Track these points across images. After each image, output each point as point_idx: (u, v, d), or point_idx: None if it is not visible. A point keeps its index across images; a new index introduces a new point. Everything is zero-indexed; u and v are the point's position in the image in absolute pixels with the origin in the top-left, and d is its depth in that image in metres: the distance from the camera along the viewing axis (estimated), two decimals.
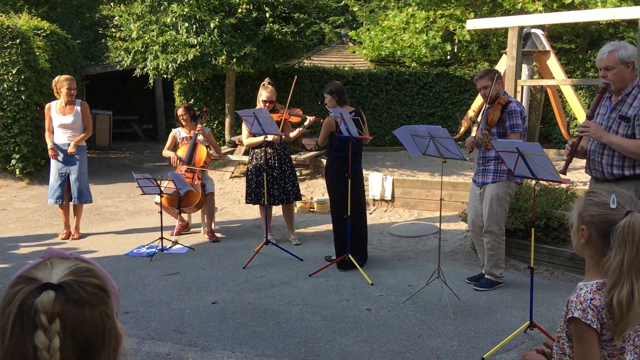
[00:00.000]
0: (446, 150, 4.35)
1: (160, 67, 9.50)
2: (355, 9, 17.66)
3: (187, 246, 6.16)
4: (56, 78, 6.49)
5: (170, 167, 6.79)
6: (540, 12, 10.49)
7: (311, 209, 7.95)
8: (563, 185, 5.87)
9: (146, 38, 9.63)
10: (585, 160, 3.81)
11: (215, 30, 9.21)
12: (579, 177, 8.01)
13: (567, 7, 10.50)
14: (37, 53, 10.17)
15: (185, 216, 6.85)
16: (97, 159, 13.03)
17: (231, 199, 8.79)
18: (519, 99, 7.67)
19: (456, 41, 13.89)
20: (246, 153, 9.55)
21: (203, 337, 3.95)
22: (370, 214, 7.59)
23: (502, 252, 4.81)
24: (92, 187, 6.84)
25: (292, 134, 6.33)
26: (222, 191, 9.16)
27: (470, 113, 10.36)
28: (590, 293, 1.70)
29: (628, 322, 1.66)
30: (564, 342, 1.79)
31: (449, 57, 14.73)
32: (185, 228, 6.87)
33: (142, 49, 9.72)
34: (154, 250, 5.99)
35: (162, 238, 6.03)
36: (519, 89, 6.67)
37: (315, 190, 8.96)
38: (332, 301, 4.59)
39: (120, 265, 5.59)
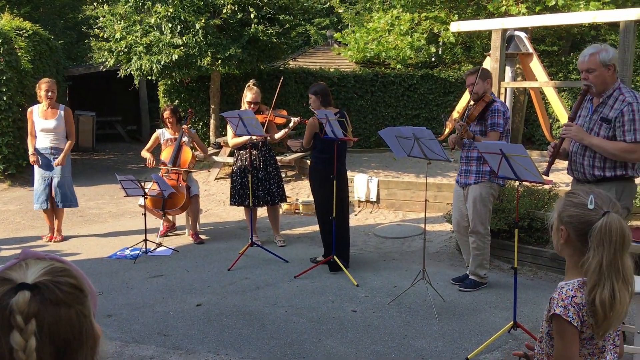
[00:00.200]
0: (431, 151, 4.37)
1: (144, 68, 9.43)
2: (340, 10, 17.71)
3: (171, 248, 6.12)
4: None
5: (154, 169, 6.72)
6: (524, 14, 10.60)
7: (296, 211, 7.94)
8: (546, 187, 5.94)
9: (130, 39, 9.55)
10: (567, 162, 3.86)
11: (200, 31, 9.17)
12: (561, 178, 8.10)
13: (550, 9, 10.62)
14: (19, 54, 10.05)
15: (170, 217, 6.81)
16: (80, 161, 12.90)
17: (216, 200, 8.74)
18: (502, 100, 7.72)
19: (441, 43, 13.99)
20: (231, 154, 9.51)
21: (187, 339, 3.93)
22: (356, 215, 7.60)
23: (488, 252, 4.86)
24: (75, 188, 6.75)
25: (277, 135, 6.31)
26: (206, 193, 9.11)
27: (455, 115, 10.41)
28: (572, 290, 1.72)
29: (610, 322, 1.68)
30: (546, 341, 1.81)
31: (433, 59, 14.81)
32: (171, 228, 6.83)
33: (126, 50, 9.64)
34: (137, 252, 5.95)
35: (145, 240, 5.98)
36: (502, 90, 6.72)
37: (300, 191, 8.95)
38: (318, 303, 4.59)
39: (103, 268, 5.54)
